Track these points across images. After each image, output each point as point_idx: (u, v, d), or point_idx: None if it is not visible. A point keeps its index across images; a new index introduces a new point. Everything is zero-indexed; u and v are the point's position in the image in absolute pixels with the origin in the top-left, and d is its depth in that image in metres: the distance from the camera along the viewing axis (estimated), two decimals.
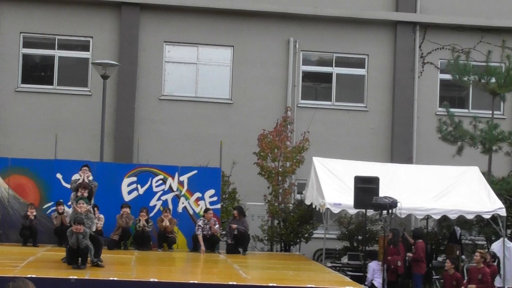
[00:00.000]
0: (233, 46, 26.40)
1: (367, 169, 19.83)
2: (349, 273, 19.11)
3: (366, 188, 17.84)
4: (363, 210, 18.49)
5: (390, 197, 17.11)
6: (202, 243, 19.62)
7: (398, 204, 17.02)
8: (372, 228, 22.04)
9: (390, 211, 16.91)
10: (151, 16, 26.05)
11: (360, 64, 27.06)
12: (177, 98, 26.15)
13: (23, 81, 25.68)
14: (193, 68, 26.35)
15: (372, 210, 18.37)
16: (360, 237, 21.82)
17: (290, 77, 26.31)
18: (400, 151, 26.16)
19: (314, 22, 26.48)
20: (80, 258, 15.26)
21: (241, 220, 20.09)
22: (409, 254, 18.77)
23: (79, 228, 15.01)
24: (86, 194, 15.83)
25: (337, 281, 15.68)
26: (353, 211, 19.42)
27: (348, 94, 27.12)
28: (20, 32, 25.65)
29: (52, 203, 19.84)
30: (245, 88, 26.21)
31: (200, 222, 19.88)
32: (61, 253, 16.40)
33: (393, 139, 26.47)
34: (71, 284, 13.01)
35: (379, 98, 26.80)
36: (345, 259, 20.90)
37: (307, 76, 27.11)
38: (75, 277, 13.81)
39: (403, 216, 19.21)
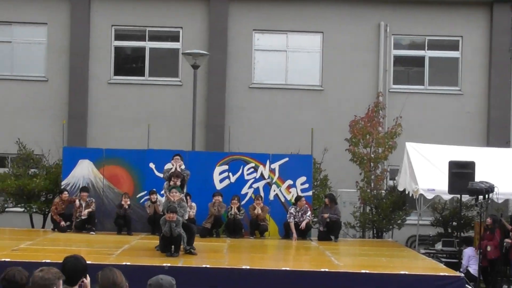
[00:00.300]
0: (322, 32, 26.18)
1: (462, 153, 19.34)
2: (443, 259, 18.72)
3: (461, 173, 17.43)
4: (458, 196, 18.05)
5: (486, 182, 16.62)
6: (294, 230, 19.53)
7: (495, 189, 16.51)
8: (467, 214, 21.51)
9: (486, 196, 16.44)
10: (239, 5, 26.06)
11: (453, 46, 26.42)
12: (267, 86, 26.14)
13: (116, 73, 26.13)
14: (283, 56, 26.28)
15: (467, 196, 17.92)
16: (454, 223, 21.34)
17: (381, 62, 25.94)
18: (497, 135, 25.42)
19: (405, 5, 25.99)
20: (173, 246, 15.40)
21: (333, 207, 19.90)
22: (507, 240, 18.21)
23: (172, 217, 15.14)
24: (178, 183, 15.96)
25: (431, 267, 15.40)
26: (447, 197, 19.03)
27: (442, 78, 26.55)
28: (112, 25, 26.10)
29: (145, 192, 20.09)
30: (335, 74, 25.97)
31: (292, 210, 19.79)
32: (155, 241, 16.61)
33: (490, 123, 25.76)
34: (164, 271, 13.05)
35: (474, 81, 26.13)
36: (439, 246, 20.47)
37: (398, 60, 26.67)
38: (169, 264, 13.95)
39: (500, 201, 18.69)
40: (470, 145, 22.04)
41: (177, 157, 16.81)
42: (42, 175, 21.38)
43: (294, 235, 19.43)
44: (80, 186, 20.08)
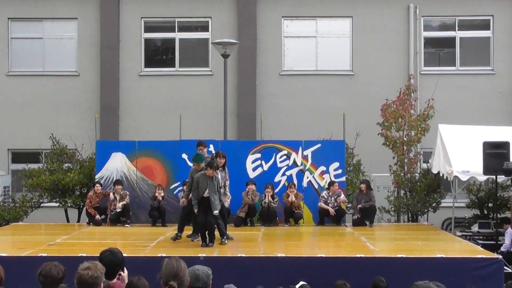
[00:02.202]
0: (352, 17, 26.07)
1: (496, 134, 19.14)
2: (480, 241, 18.55)
3: (496, 154, 17.26)
4: (493, 176, 17.89)
5: None
6: (327, 207, 19.49)
7: None
8: (503, 194, 21.31)
9: None
10: None
11: (484, 26, 26.16)
12: (297, 72, 26.11)
13: (146, 65, 26.26)
14: (312, 42, 26.20)
15: (502, 176, 17.75)
16: (490, 205, 21.16)
17: (411, 44, 25.77)
18: None
19: None
20: (208, 237, 15.40)
21: (368, 193, 19.81)
22: None
23: (210, 173, 15.01)
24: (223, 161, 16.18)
25: (468, 250, 15.26)
26: (482, 178, 18.85)
27: (473, 58, 26.31)
28: (141, 17, 26.22)
29: (179, 183, 20.09)
30: (365, 59, 25.85)
31: (324, 193, 19.75)
32: (189, 232, 16.58)
33: None
34: (200, 261, 13.08)
35: (506, 60, 25.86)
36: (475, 228, 20.31)
37: (429, 42, 26.45)
38: (204, 255, 13.94)
39: None
40: (503, 125, 21.82)
41: (200, 147, 16.75)
42: (76, 170, 21.51)
43: (331, 210, 19.40)
44: (114, 179, 20.18)
